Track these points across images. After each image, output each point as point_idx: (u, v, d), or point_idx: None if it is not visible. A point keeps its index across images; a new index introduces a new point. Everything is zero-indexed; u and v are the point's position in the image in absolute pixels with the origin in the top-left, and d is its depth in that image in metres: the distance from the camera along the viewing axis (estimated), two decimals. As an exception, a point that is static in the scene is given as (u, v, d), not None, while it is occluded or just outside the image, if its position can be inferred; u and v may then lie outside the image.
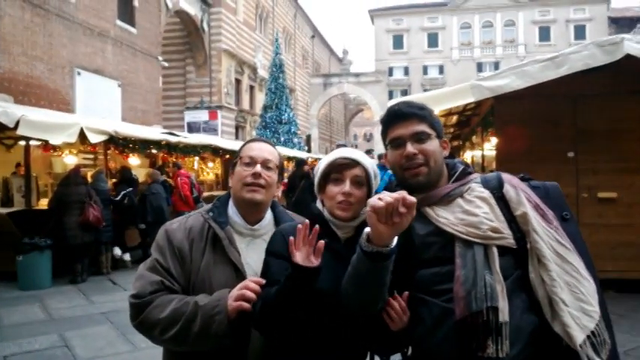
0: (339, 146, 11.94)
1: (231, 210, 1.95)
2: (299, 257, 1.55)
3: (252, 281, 1.68)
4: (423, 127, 1.67)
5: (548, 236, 1.54)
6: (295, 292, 1.56)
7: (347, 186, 1.71)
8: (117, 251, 9.45)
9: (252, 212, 1.94)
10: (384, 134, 1.76)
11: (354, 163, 1.74)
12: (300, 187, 10.85)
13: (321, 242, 1.55)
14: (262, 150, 1.94)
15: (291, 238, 1.57)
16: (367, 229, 1.45)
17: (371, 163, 1.78)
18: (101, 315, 6.42)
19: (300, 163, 11.67)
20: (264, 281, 1.67)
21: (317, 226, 1.56)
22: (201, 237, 1.87)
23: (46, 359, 4.97)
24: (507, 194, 1.62)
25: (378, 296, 1.55)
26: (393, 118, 1.71)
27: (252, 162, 1.90)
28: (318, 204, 1.81)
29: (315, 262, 1.54)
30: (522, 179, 1.73)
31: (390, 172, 9.01)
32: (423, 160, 1.65)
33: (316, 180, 1.81)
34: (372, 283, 1.51)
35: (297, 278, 1.54)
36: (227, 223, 1.90)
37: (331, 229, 1.74)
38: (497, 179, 1.68)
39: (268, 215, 2.00)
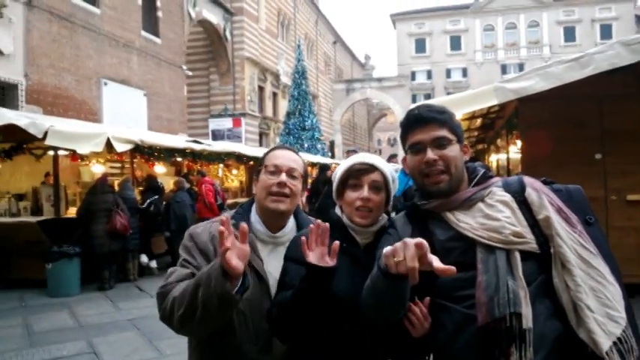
0: (349, 152, 11.89)
1: (254, 217, 1.95)
2: (312, 257, 1.54)
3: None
4: (443, 132, 1.63)
5: (572, 240, 1.50)
6: (310, 292, 1.55)
7: (365, 191, 1.70)
8: (144, 259, 9.57)
9: (275, 221, 1.94)
10: (403, 139, 1.73)
11: (371, 169, 1.73)
12: (323, 193, 10.83)
13: (336, 243, 1.54)
14: (287, 158, 1.93)
15: (303, 238, 1.56)
16: (385, 250, 1.40)
17: (389, 168, 1.78)
18: (128, 322, 6.50)
19: (323, 168, 11.62)
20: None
21: (327, 224, 1.55)
22: None
23: (75, 365, 5.05)
24: (529, 198, 1.58)
25: (397, 308, 1.53)
26: (413, 122, 1.68)
27: (277, 171, 1.89)
28: (337, 210, 1.81)
29: (330, 262, 1.53)
30: (544, 182, 1.69)
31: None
32: (444, 167, 1.61)
33: (334, 186, 1.81)
34: (391, 299, 1.49)
35: (311, 279, 1.53)
36: (250, 231, 1.89)
37: (350, 234, 1.74)
38: (519, 183, 1.65)
39: (291, 222, 2.00)
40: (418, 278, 1.34)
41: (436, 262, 1.32)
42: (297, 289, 1.58)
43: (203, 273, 1.64)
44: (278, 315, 1.63)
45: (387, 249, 1.38)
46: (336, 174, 1.81)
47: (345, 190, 1.75)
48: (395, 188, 1.80)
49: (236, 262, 1.53)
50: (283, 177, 1.87)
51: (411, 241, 1.32)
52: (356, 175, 1.73)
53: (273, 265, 1.86)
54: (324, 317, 1.60)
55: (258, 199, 1.93)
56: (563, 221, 1.53)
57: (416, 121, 1.67)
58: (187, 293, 1.65)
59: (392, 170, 1.80)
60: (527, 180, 1.65)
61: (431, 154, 1.61)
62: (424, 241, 1.31)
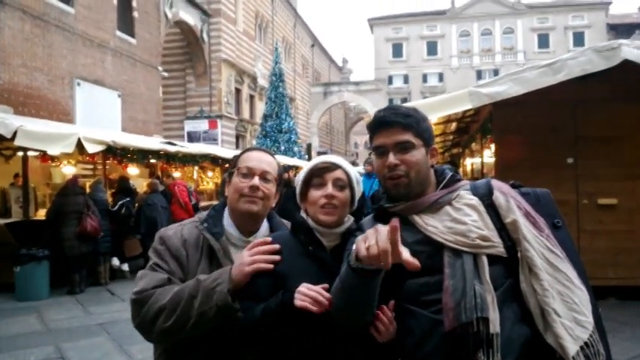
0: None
1: (227, 221, 1.92)
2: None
3: (261, 242, 1.71)
4: (406, 137, 1.60)
5: (539, 244, 1.49)
6: (282, 320, 1.56)
7: (329, 188, 1.68)
8: (115, 262, 9.40)
9: (247, 223, 1.91)
10: (370, 140, 1.71)
11: (334, 167, 1.71)
12: (282, 195, 10.72)
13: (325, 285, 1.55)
14: (261, 161, 1.89)
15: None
16: (354, 248, 1.40)
17: (352, 169, 1.76)
18: (98, 326, 6.36)
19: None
20: (269, 239, 1.71)
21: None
22: (196, 247, 1.84)
23: (42, 371, 4.92)
24: (497, 201, 1.57)
25: (367, 310, 1.52)
26: (378, 125, 1.66)
27: (250, 174, 1.85)
28: (302, 213, 1.77)
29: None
30: (512, 186, 1.68)
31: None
32: (404, 172, 1.59)
33: (298, 189, 1.77)
34: (361, 298, 1.48)
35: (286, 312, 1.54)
36: (222, 234, 1.87)
37: (316, 237, 1.70)
38: (487, 186, 1.63)
39: (264, 226, 1.96)
40: (388, 271, 1.34)
41: (405, 253, 1.31)
42: (269, 311, 1.57)
43: (199, 285, 1.65)
44: (245, 331, 1.61)
45: (358, 238, 1.36)
46: (299, 177, 1.77)
47: (309, 190, 1.72)
48: (359, 190, 1.77)
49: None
50: (256, 180, 1.83)
51: (383, 227, 1.31)
52: (319, 173, 1.70)
53: None
54: (293, 329, 1.58)
55: (230, 201, 1.89)
56: (530, 225, 1.52)
57: (380, 124, 1.64)
58: (179, 305, 1.64)
59: (356, 171, 1.78)
60: (495, 183, 1.64)
61: (392, 158, 1.59)
62: (397, 225, 1.28)
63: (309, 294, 1.52)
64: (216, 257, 1.81)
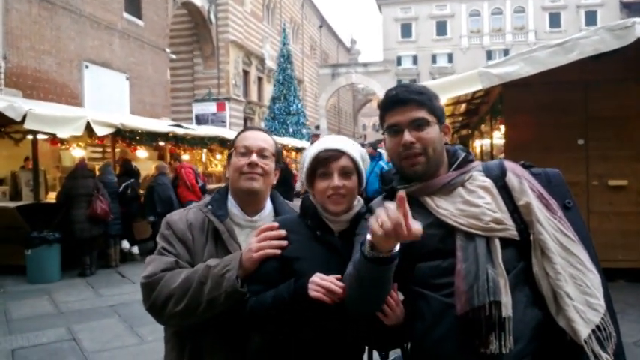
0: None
1: (230, 202, 1.94)
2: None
3: (268, 228, 1.72)
4: (421, 114, 1.57)
5: (552, 227, 1.48)
6: (294, 307, 1.56)
7: (335, 180, 1.64)
8: (125, 244, 9.46)
9: (250, 202, 1.92)
10: (381, 120, 1.67)
11: (339, 154, 1.67)
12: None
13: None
14: (256, 139, 1.91)
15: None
16: (368, 237, 1.36)
17: (357, 149, 1.72)
18: (109, 308, 6.44)
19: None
20: (276, 225, 1.71)
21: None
22: (202, 231, 1.87)
23: (54, 352, 4.98)
24: (510, 183, 1.55)
25: (381, 299, 1.52)
26: (391, 103, 1.61)
27: (248, 152, 1.87)
28: (311, 197, 1.75)
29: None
30: (523, 166, 1.66)
31: (381, 163, 8.84)
32: (421, 150, 1.56)
33: (303, 176, 1.75)
34: (376, 287, 1.47)
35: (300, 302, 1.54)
36: (226, 216, 1.89)
37: (324, 221, 1.69)
38: (500, 167, 1.61)
39: (268, 207, 1.98)
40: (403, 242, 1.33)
41: (416, 224, 1.29)
42: (281, 299, 1.57)
43: (209, 271, 1.68)
44: (255, 316, 1.61)
45: (370, 221, 1.33)
46: (304, 162, 1.75)
47: (315, 179, 1.69)
48: (366, 166, 1.74)
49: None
50: (254, 157, 1.85)
51: (391, 203, 1.30)
52: (324, 163, 1.66)
53: None
54: (305, 316, 1.58)
55: (232, 181, 1.92)
56: (543, 207, 1.51)
57: (393, 102, 1.61)
58: (189, 290, 1.67)
59: (361, 150, 1.74)
60: (508, 165, 1.62)
61: (408, 136, 1.56)
62: (404, 195, 1.26)
63: (322, 284, 1.51)
64: (221, 239, 1.83)
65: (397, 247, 1.38)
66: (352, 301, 1.52)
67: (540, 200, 1.52)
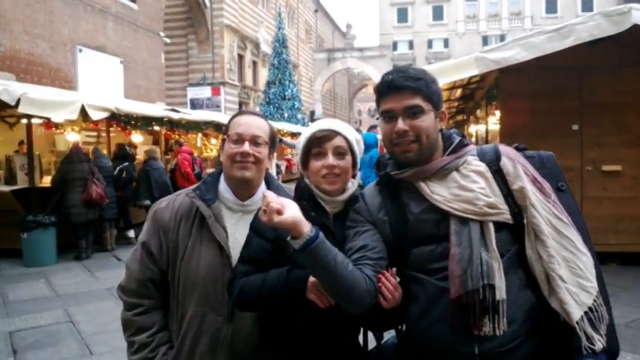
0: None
1: (222, 186, 1.94)
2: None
3: None
4: (416, 101, 1.55)
5: (546, 211, 1.50)
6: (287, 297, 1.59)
7: (330, 159, 1.66)
8: (131, 234, 9.60)
9: (243, 188, 1.92)
10: (377, 103, 1.66)
11: (333, 134, 1.68)
12: None
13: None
14: (250, 125, 1.88)
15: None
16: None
17: (351, 131, 1.73)
18: (105, 291, 6.47)
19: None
20: None
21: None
22: (188, 216, 1.88)
23: (51, 334, 5.02)
24: (504, 167, 1.57)
25: (350, 293, 1.48)
26: (386, 89, 1.60)
27: (240, 139, 1.85)
28: (305, 179, 1.76)
29: None
30: (517, 149, 1.68)
31: (373, 150, 8.76)
32: (414, 137, 1.55)
33: (298, 157, 1.76)
34: (320, 275, 1.48)
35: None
36: (214, 200, 1.89)
37: (319, 203, 1.70)
38: (494, 151, 1.61)
39: (261, 190, 1.96)
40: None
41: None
42: (276, 289, 1.58)
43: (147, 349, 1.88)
44: (244, 300, 1.64)
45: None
46: (299, 144, 1.75)
47: (310, 159, 1.70)
48: (360, 150, 1.75)
49: None
50: (246, 147, 1.83)
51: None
52: (318, 142, 1.68)
53: (240, 233, 1.84)
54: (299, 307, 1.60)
55: (225, 167, 1.91)
56: (537, 191, 1.52)
57: (389, 87, 1.59)
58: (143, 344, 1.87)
59: (355, 132, 1.75)
60: (503, 149, 1.63)
61: (401, 124, 1.55)
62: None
63: (319, 287, 1.53)
64: (206, 224, 1.84)
65: (306, 232, 1.42)
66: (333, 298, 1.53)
67: (534, 184, 1.53)
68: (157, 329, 1.88)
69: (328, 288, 1.49)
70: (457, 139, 1.64)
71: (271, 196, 1.42)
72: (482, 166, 1.57)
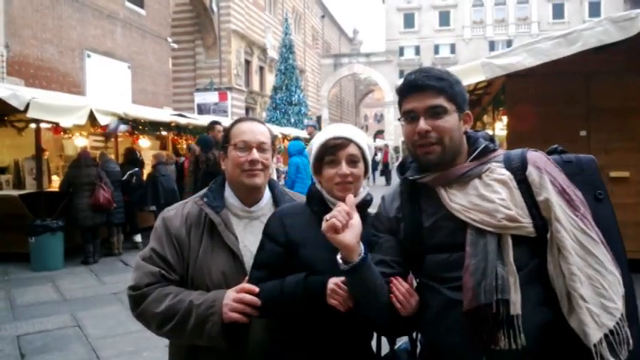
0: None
1: (228, 192, 1.93)
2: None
3: (247, 289, 1.67)
4: (439, 101, 1.51)
5: (572, 225, 1.40)
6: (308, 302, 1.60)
7: (343, 167, 1.65)
8: (137, 239, 9.63)
9: (250, 195, 1.92)
10: (399, 105, 1.61)
11: (347, 142, 1.68)
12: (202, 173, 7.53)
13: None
14: (255, 132, 1.89)
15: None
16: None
17: (363, 137, 1.73)
18: (112, 295, 6.49)
19: (209, 128, 8.51)
20: (257, 289, 1.66)
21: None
22: (198, 223, 1.86)
23: (58, 339, 5.04)
24: (530, 177, 1.48)
25: (371, 305, 1.53)
26: (408, 88, 1.55)
27: (247, 147, 1.85)
28: (317, 184, 1.76)
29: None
30: (555, 151, 1.61)
31: (294, 158, 8.56)
32: (436, 139, 1.50)
33: (311, 162, 1.76)
34: (360, 295, 1.50)
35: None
36: (223, 207, 1.88)
37: (330, 208, 1.70)
38: (521, 159, 1.53)
39: (266, 196, 1.98)
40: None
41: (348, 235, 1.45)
42: (295, 295, 1.59)
43: (192, 308, 1.69)
44: (266, 305, 1.64)
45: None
46: (311, 150, 1.75)
47: (323, 167, 1.70)
48: (371, 154, 1.75)
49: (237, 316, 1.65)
50: (255, 154, 1.84)
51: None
52: (332, 151, 1.67)
53: (248, 240, 1.85)
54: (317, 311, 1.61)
55: (232, 175, 1.90)
56: (565, 203, 1.43)
57: (411, 87, 1.55)
58: (175, 316, 1.70)
59: (367, 138, 1.76)
60: (531, 156, 1.53)
61: (423, 124, 1.51)
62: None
63: (339, 293, 1.53)
64: (217, 231, 1.83)
65: (358, 254, 1.44)
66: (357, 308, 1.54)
67: (562, 196, 1.44)
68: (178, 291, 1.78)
69: (362, 303, 1.52)
70: (483, 144, 1.57)
71: (341, 211, 1.46)
72: (506, 175, 1.49)
